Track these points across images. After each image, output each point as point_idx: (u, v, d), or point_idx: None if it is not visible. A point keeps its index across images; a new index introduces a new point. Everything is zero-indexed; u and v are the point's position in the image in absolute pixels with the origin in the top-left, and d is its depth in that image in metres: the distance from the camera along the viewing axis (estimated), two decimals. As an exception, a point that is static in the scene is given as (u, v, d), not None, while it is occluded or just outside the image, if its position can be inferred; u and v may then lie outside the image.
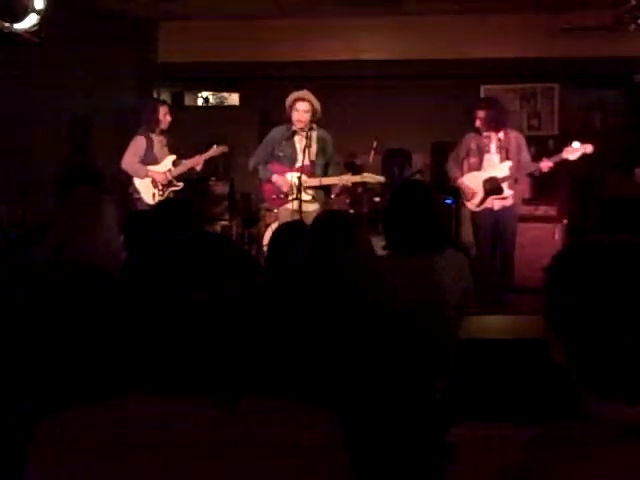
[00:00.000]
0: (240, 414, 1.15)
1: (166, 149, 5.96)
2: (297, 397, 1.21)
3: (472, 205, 5.54)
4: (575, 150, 5.19)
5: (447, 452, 1.21)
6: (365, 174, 5.55)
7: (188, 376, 1.15)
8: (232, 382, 1.17)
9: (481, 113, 5.40)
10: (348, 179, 5.49)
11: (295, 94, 5.29)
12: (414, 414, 2.11)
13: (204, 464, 1.10)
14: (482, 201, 5.47)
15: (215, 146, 5.97)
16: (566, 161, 5.25)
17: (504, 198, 5.43)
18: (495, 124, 5.40)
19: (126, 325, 1.18)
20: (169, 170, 5.87)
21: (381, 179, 5.57)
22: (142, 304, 1.15)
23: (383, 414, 1.98)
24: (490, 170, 5.44)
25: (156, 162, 5.86)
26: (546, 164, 5.27)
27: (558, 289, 1.12)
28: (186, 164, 5.94)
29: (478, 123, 5.43)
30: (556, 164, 5.29)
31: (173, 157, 5.92)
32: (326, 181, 5.42)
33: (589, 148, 5.18)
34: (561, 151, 5.26)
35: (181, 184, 5.94)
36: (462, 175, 5.53)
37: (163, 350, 1.15)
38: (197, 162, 5.94)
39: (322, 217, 2.57)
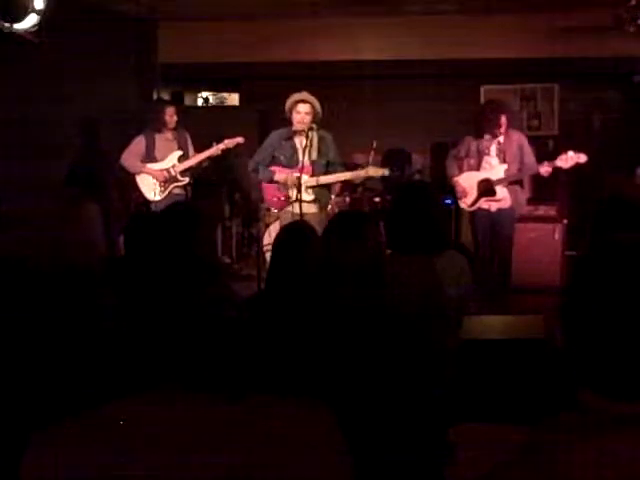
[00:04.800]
0: (242, 412, 1.15)
1: (174, 145, 6.00)
2: (297, 395, 1.21)
3: (464, 204, 5.60)
4: (569, 159, 5.22)
5: (446, 452, 1.21)
6: (369, 168, 5.49)
7: (191, 375, 1.15)
8: (236, 381, 1.18)
9: (504, 118, 5.43)
10: (353, 175, 5.46)
11: (295, 96, 5.26)
12: (413, 414, 2.11)
13: (206, 460, 1.10)
14: (475, 201, 5.52)
15: (231, 139, 5.97)
16: (560, 169, 5.28)
17: (498, 200, 5.46)
18: (510, 125, 5.48)
19: (127, 328, 1.18)
20: (173, 166, 5.92)
21: (385, 172, 5.50)
22: (144, 308, 1.16)
23: (382, 414, 1.99)
24: (487, 172, 5.48)
25: (155, 160, 5.92)
26: (546, 169, 5.30)
27: (577, 285, 1.13)
28: (194, 159, 5.98)
29: (503, 128, 5.43)
30: (554, 169, 5.34)
31: (179, 153, 5.97)
32: (328, 179, 5.37)
33: (583, 158, 5.22)
34: (555, 158, 5.29)
35: (186, 179, 5.98)
36: (459, 174, 5.57)
37: (165, 351, 1.16)
38: (208, 155, 5.97)
39: (338, 216, 2.60)
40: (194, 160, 5.97)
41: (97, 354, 1.67)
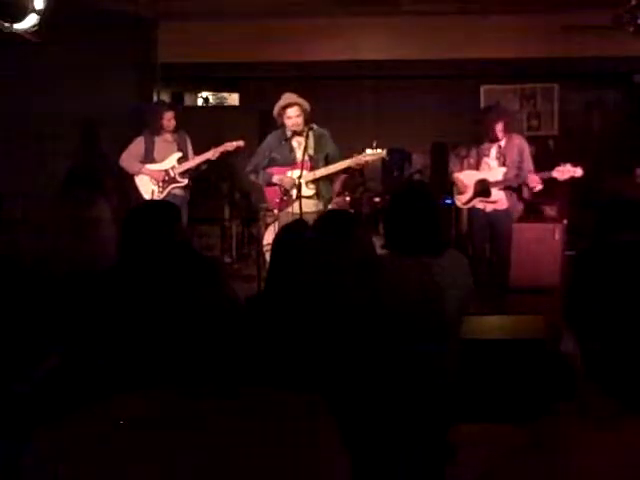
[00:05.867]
0: (239, 407, 1.15)
1: (174, 147, 6.00)
2: (296, 394, 1.21)
3: (459, 201, 5.62)
4: (565, 171, 5.21)
5: (447, 452, 1.22)
6: (366, 152, 5.29)
7: (187, 370, 1.15)
8: (231, 376, 1.18)
9: (500, 125, 5.39)
10: (351, 161, 5.27)
11: (281, 102, 5.25)
12: (414, 415, 2.11)
13: (202, 456, 1.10)
14: (469, 200, 5.55)
15: (232, 143, 5.92)
16: (554, 179, 5.26)
17: (493, 202, 5.47)
18: (510, 129, 5.46)
19: (122, 323, 1.18)
20: (172, 167, 5.93)
21: (383, 153, 5.32)
22: (141, 305, 1.16)
23: (383, 414, 1.98)
24: (485, 172, 5.49)
25: (154, 161, 5.93)
26: (534, 180, 5.26)
27: (580, 284, 1.14)
28: (193, 161, 5.97)
29: (500, 135, 5.41)
30: (545, 180, 5.32)
31: (179, 154, 5.97)
32: (327, 170, 5.27)
33: (579, 172, 5.21)
34: (552, 169, 5.27)
35: (185, 181, 5.98)
36: (460, 171, 5.58)
37: (161, 347, 1.16)
38: (207, 157, 5.94)
39: (324, 216, 2.58)
40: (193, 162, 5.97)
41: (97, 352, 1.67)
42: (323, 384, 1.93)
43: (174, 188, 5.96)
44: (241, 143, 5.93)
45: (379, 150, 5.33)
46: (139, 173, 5.93)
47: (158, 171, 5.92)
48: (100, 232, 2.30)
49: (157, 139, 5.96)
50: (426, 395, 2.39)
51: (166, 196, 5.91)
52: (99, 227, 2.31)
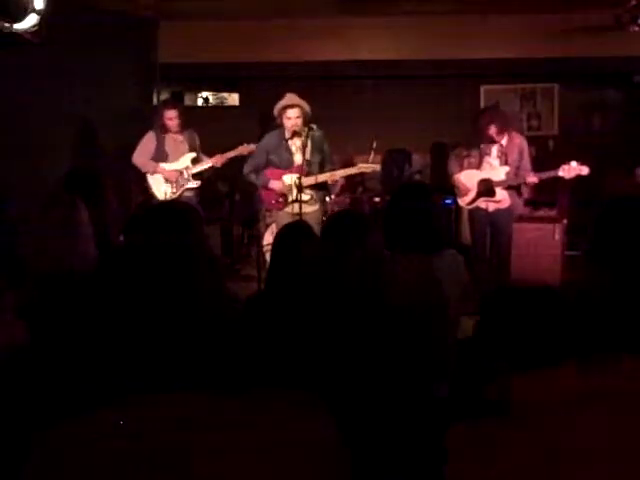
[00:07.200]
0: (238, 406, 1.15)
1: (185, 147, 5.92)
2: (295, 393, 1.21)
3: (463, 202, 5.62)
4: (572, 170, 5.21)
5: (446, 452, 1.21)
6: (360, 164, 5.47)
7: (186, 370, 1.16)
8: (230, 375, 1.18)
9: (493, 128, 5.39)
10: (344, 172, 5.43)
11: (283, 102, 5.27)
12: (413, 414, 2.11)
13: (202, 455, 1.10)
14: (473, 200, 5.54)
15: (243, 145, 5.82)
16: (561, 178, 5.27)
17: (497, 201, 5.47)
18: (506, 129, 5.46)
19: (122, 324, 1.18)
20: (186, 167, 5.85)
21: (377, 167, 5.50)
22: (140, 304, 1.16)
23: (382, 414, 1.99)
24: (487, 172, 5.49)
25: (166, 159, 5.85)
26: (532, 179, 5.29)
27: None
28: (207, 162, 5.88)
29: (496, 137, 5.41)
30: (549, 179, 5.32)
31: (192, 155, 5.88)
32: (321, 177, 5.32)
33: (585, 170, 5.21)
34: (554, 162, 5.28)
35: (197, 182, 5.89)
36: (460, 172, 5.58)
37: (165, 346, 1.16)
38: (219, 160, 5.84)
39: (337, 216, 2.59)
40: (207, 164, 5.84)
41: (96, 355, 1.67)
42: (323, 383, 1.93)
43: (187, 190, 5.88)
44: (253, 147, 5.73)
45: (373, 165, 5.49)
46: (154, 172, 5.85)
47: (173, 171, 5.83)
48: (79, 233, 2.31)
49: (167, 136, 5.89)
50: (426, 393, 2.39)
51: (179, 197, 5.82)
52: (77, 229, 2.32)
